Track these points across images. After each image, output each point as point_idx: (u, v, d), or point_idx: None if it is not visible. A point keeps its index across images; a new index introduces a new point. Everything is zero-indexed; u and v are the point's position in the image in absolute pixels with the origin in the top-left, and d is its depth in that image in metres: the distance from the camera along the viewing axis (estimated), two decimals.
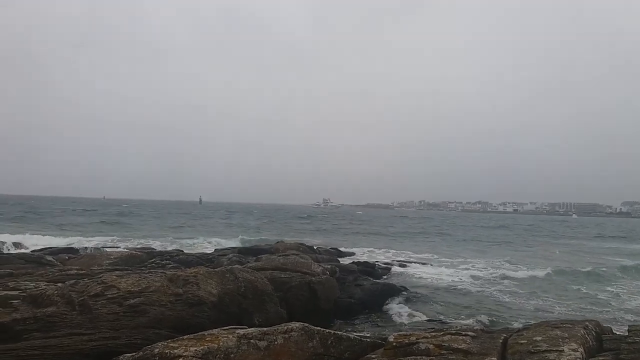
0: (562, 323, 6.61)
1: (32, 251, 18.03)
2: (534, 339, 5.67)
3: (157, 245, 26.41)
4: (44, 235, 29.26)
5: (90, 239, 28.94)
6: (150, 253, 17.88)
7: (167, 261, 15.85)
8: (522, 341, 5.62)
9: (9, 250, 19.09)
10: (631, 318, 12.91)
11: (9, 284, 9.61)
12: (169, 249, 22.17)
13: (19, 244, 21.70)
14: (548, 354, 5.13)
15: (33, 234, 28.78)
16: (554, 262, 26.26)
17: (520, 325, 6.86)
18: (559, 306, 14.42)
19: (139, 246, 23.77)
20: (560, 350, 5.19)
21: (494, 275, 20.07)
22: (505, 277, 19.43)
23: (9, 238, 24.09)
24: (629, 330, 6.78)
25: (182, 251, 20.30)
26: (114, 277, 8.65)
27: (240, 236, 35.46)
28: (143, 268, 12.98)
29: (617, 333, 7.54)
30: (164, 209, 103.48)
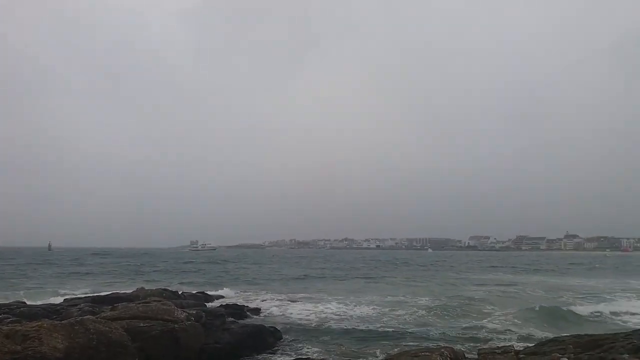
0: (421, 351, 6.96)
1: None
2: None
3: None
4: None
5: None
6: None
7: (5, 315, 13.91)
8: None
9: None
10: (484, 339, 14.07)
11: None
12: (9, 300, 19.52)
13: None
14: None
15: None
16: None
17: (384, 356, 7.07)
18: (418, 335, 15.25)
19: None
20: None
21: (362, 310, 20.66)
22: (366, 313, 20.11)
23: None
24: (478, 353, 7.35)
25: (25, 303, 18.04)
26: None
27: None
28: None
29: (469, 357, 8.14)
30: (8, 255, 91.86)
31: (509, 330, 16.27)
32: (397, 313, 19.93)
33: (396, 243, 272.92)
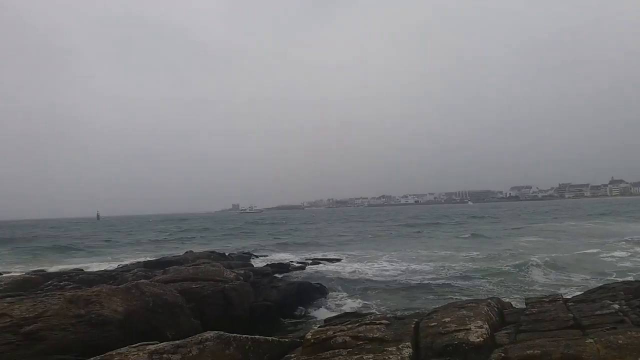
0: (467, 303, 7.02)
1: None
2: (443, 320, 5.95)
3: (55, 266, 24.46)
4: None
5: None
6: (46, 275, 16.54)
7: (66, 282, 14.75)
8: (432, 324, 5.88)
9: None
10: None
11: None
12: (68, 269, 20.63)
13: None
14: (457, 334, 5.41)
15: None
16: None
17: (430, 309, 7.19)
18: (463, 288, 15.32)
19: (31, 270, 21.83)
20: (468, 329, 5.50)
21: (403, 266, 20.80)
22: (411, 268, 20.21)
23: None
24: (526, 303, 7.35)
25: (82, 270, 19.02)
26: (6, 304, 7.90)
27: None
28: (39, 292, 11.98)
29: (516, 307, 8.16)
30: (60, 227, 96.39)
31: (558, 278, 16.17)
32: (443, 267, 20.00)
33: (435, 198, 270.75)
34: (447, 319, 5.97)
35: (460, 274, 18.03)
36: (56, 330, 7.28)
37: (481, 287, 15.24)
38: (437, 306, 7.74)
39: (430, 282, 16.61)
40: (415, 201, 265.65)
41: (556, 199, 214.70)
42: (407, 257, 24.20)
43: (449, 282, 16.42)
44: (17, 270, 21.32)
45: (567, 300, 7.15)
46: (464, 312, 6.31)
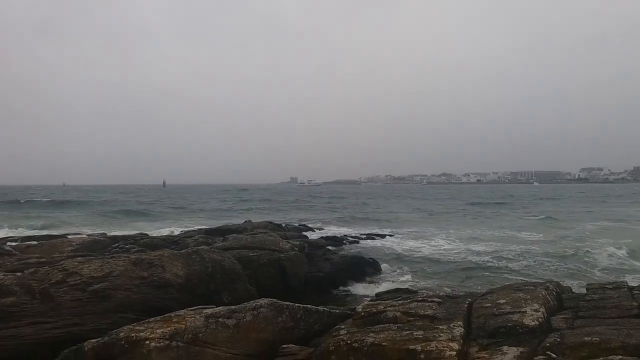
0: (524, 285, 6.81)
1: None
2: (498, 301, 5.81)
3: (122, 230, 25.85)
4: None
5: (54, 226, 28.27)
6: (113, 238, 17.49)
7: (132, 245, 15.52)
8: (486, 304, 5.75)
9: None
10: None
11: None
12: (134, 232, 21.73)
13: None
14: (511, 316, 5.27)
15: None
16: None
17: (485, 290, 7.03)
18: (522, 270, 14.87)
19: (102, 231, 23.17)
20: (523, 312, 5.34)
21: (460, 245, 20.41)
22: (469, 248, 19.77)
23: None
24: (587, 289, 7.04)
25: (147, 235, 19.95)
26: (76, 263, 8.42)
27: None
28: (106, 253, 12.70)
29: (576, 292, 7.84)
30: (129, 192, 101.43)
31: (623, 264, 15.37)
32: (503, 248, 19.40)
33: (499, 177, 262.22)
34: (502, 301, 5.83)
35: (521, 255, 17.42)
36: (121, 290, 7.71)
37: (541, 270, 14.68)
38: (492, 287, 7.55)
39: (488, 262, 16.16)
40: (478, 180, 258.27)
41: (629, 182, 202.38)
42: (465, 236, 23.69)
43: (507, 264, 15.91)
44: (87, 232, 22.68)
45: (632, 288, 6.77)
46: (521, 294, 6.13)
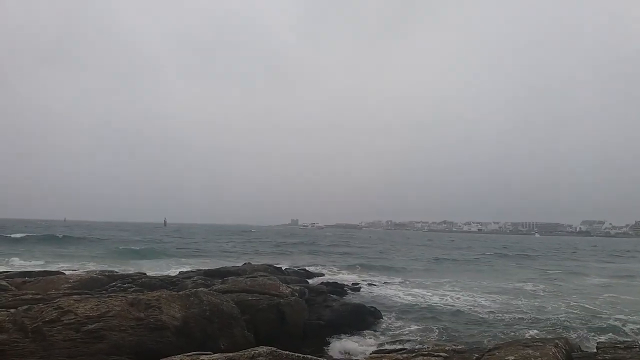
0: (533, 342, 6.59)
1: None
2: (507, 358, 5.60)
3: (119, 268, 25.51)
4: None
5: (51, 263, 27.94)
6: (111, 276, 17.20)
7: (129, 284, 15.24)
8: None
9: None
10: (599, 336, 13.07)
11: None
12: (132, 271, 21.43)
13: None
14: None
15: None
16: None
17: (492, 345, 6.78)
18: (530, 325, 14.46)
19: (100, 269, 22.87)
20: None
21: (467, 296, 19.93)
22: (475, 300, 19.29)
23: None
24: (597, 347, 6.81)
25: (145, 274, 19.64)
26: (72, 301, 8.23)
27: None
28: (104, 292, 12.46)
29: (586, 350, 7.59)
30: (129, 230, 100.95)
31: (634, 323, 14.96)
32: (512, 301, 18.94)
33: (500, 227, 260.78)
34: (511, 358, 5.62)
35: (529, 309, 17.01)
36: (116, 331, 7.50)
37: (549, 326, 14.27)
38: (499, 342, 7.31)
39: (494, 315, 15.73)
40: (479, 229, 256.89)
41: (631, 237, 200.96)
42: (470, 286, 23.25)
43: (514, 317, 15.45)
44: (86, 269, 22.37)
45: None
46: (530, 351, 5.91)
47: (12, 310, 8.45)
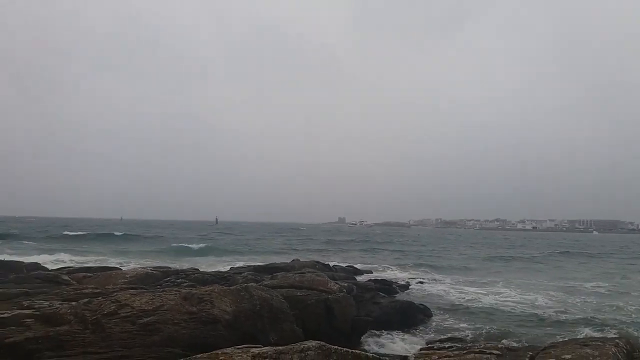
0: (591, 341, 6.32)
1: (49, 271, 18.05)
2: (563, 357, 5.39)
3: (173, 264, 26.32)
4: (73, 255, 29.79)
5: (110, 259, 29.24)
6: (165, 271, 17.76)
7: (183, 279, 15.71)
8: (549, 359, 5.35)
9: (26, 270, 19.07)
10: None
11: (23, 303, 9.54)
12: (185, 267, 22.06)
13: (36, 263, 21.73)
14: None
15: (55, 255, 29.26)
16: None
17: (548, 344, 6.54)
18: (590, 324, 13.85)
19: (154, 265, 23.67)
20: None
21: (521, 295, 19.29)
22: (531, 298, 18.63)
23: (27, 259, 24.32)
24: None
25: (198, 269, 20.16)
26: (128, 295, 8.55)
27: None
28: (158, 287, 12.88)
29: None
30: (182, 228, 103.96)
31: None
32: (569, 299, 18.29)
33: (555, 225, 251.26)
34: (567, 356, 5.40)
35: (587, 309, 16.31)
36: (170, 324, 7.72)
37: (610, 326, 13.60)
38: (555, 341, 7.04)
39: (551, 314, 15.11)
40: (533, 227, 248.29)
41: None
42: (526, 285, 22.52)
43: (572, 316, 14.80)
44: (142, 265, 23.19)
45: None
46: (588, 350, 5.67)
47: (73, 303, 8.88)
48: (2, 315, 8.26)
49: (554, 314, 15.22)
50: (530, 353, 5.77)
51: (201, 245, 45.30)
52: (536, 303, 17.37)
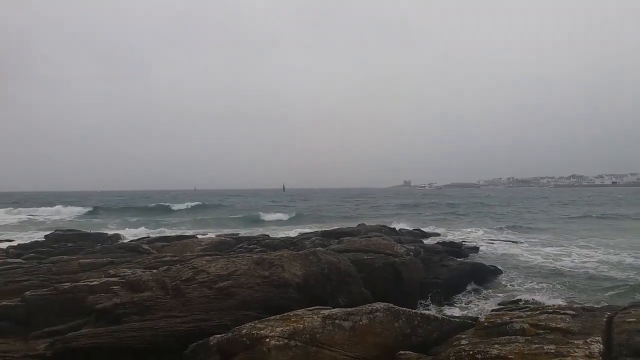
0: None
1: (130, 241, 19.30)
2: None
3: (246, 231, 27.29)
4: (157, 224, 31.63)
5: (187, 230, 30.80)
6: (238, 238, 18.50)
7: (254, 245, 16.32)
8: (630, 319, 5.13)
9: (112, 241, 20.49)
10: None
11: (110, 271, 10.33)
12: (257, 234, 22.82)
13: (119, 235, 23.27)
14: None
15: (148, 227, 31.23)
16: None
17: (627, 304, 6.27)
18: None
19: (228, 232, 24.65)
20: None
21: (601, 256, 18.23)
22: (612, 258, 17.58)
23: (110, 231, 26.10)
24: None
25: (268, 236, 20.82)
26: (204, 262, 9.02)
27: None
28: (232, 253, 13.45)
29: None
30: (252, 196, 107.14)
31: None
32: None
33: (638, 179, 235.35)
34: None
35: None
36: (244, 288, 8.09)
37: None
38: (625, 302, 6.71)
39: (630, 275, 14.41)
40: (613, 182, 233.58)
41: None
42: (603, 244, 21.37)
43: None
44: (215, 233, 24.23)
45: None
46: None
47: (154, 270, 9.48)
48: (92, 283, 8.98)
49: (634, 275, 14.39)
50: (608, 313, 5.56)
51: (271, 212, 46.57)
52: (618, 263, 16.50)
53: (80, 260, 11.85)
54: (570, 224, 34.60)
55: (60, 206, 54.83)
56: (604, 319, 5.26)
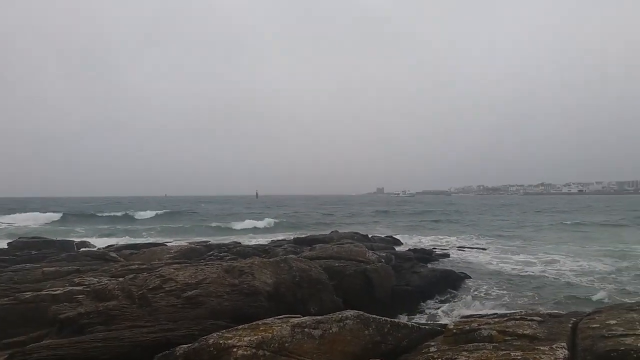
0: (638, 305, 6.12)
1: (97, 248, 18.85)
2: (608, 322, 5.25)
3: (217, 239, 26.97)
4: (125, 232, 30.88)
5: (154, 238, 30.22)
6: (208, 246, 18.27)
7: (225, 253, 16.12)
8: (594, 325, 5.22)
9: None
10: None
11: (75, 279, 10.03)
12: (228, 241, 22.58)
13: (86, 242, 22.72)
14: (624, 339, 4.72)
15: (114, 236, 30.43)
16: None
17: (591, 310, 6.39)
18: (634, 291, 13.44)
19: (198, 240, 24.33)
20: (638, 334, 4.77)
21: (566, 262, 18.67)
22: (579, 265, 18.04)
23: (80, 237, 25.45)
24: None
25: (240, 243, 20.62)
26: (172, 270, 8.83)
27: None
28: (201, 261, 13.25)
29: None
30: (223, 203, 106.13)
31: None
32: (616, 265, 17.66)
33: (603, 187, 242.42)
34: (613, 322, 5.26)
35: (637, 275, 15.78)
36: (213, 296, 7.95)
37: None
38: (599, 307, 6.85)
39: (601, 281, 14.65)
40: (580, 190, 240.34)
41: None
42: (572, 251, 21.84)
43: (621, 286, 14.23)
44: (186, 240, 23.88)
45: None
46: (634, 315, 5.50)
47: (120, 279, 9.25)
48: (56, 292, 8.71)
49: (604, 281, 14.70)
50: (573, 319, 5.66)
51: (244, 218, 46.17)
52: (584, 270, 16.89)
53: (44, 269, 11.46)
54: (540, 231, 35.29)
55: (28, 213, 53.08)
56: (569, 325, 5.35)
